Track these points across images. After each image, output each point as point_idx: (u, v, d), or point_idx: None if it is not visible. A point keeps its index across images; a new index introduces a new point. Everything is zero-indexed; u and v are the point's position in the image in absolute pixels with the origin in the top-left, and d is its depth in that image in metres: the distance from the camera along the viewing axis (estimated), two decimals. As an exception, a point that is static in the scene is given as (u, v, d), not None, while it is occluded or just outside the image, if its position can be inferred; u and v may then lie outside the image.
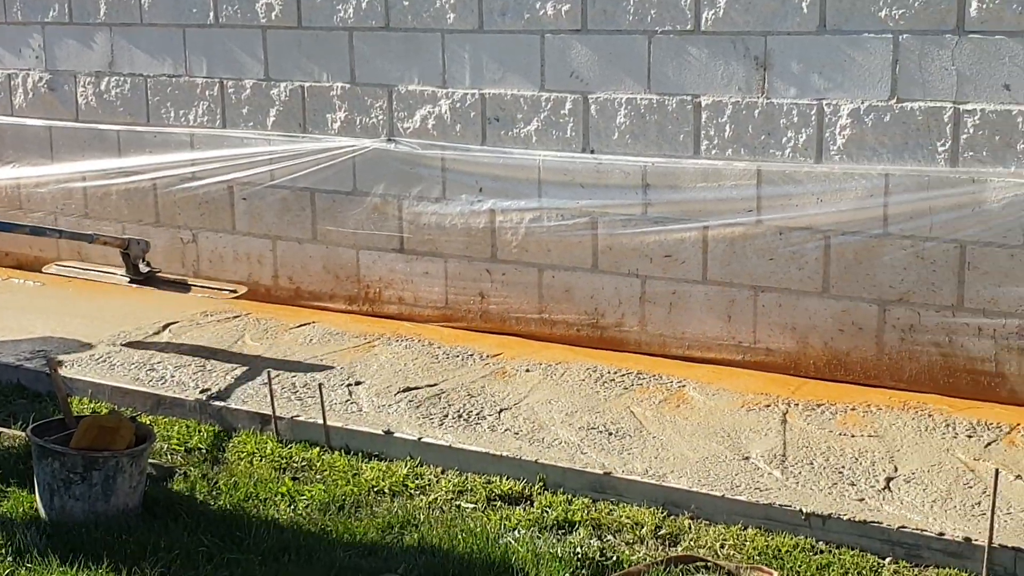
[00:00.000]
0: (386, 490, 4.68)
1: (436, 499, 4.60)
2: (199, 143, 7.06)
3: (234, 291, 6.44)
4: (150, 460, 4.68)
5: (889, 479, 4.50)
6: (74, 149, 7.51)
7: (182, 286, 6.52)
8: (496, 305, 6.34)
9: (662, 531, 4.31)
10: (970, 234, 5.15)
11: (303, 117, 6.71)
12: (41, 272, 7.16)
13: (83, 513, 4.35)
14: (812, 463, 4.65)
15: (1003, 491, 4.21)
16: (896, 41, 5.16)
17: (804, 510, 4.26)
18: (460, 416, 5.20)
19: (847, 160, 5.35)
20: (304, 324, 6.54)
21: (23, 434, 5.00)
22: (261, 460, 4.98)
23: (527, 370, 5.76)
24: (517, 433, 5.01)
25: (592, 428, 5.04)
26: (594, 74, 5.84)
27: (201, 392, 5.55)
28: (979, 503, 4.27)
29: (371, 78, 6.46)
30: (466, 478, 4.77)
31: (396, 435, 5.02)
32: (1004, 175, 5.05)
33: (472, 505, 4.55)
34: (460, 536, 4.23)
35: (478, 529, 4.29)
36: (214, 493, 4.65)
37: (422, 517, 4.43)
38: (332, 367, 5.84)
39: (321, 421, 5.13)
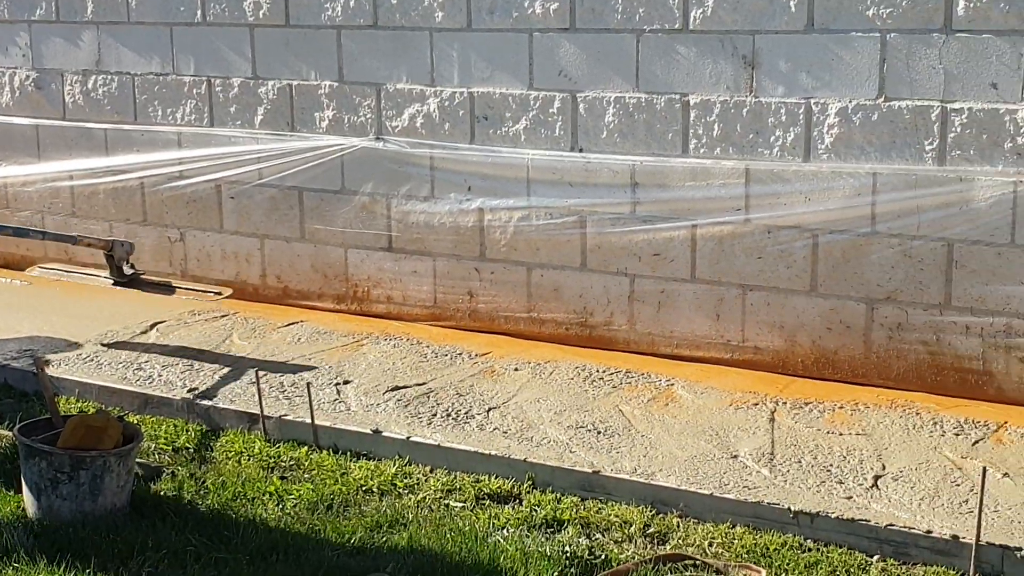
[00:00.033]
0: (374, 489, 4.68)
1: (425, 498, 4.60)
2: (187, 142, 7.04)
3: (219, 293, 6.43)
4: (138, 459, 4.67)
5: (877, 477, 4.51)
6: (61, 148, 7.48)
7: (166, 288, 6.50)
8: (485, 304, 6.34)
9: (650, 529, 4.31)
10: (957, 232, 5.16)
11: (291, 116, 6.70)
12: (27, 272, 7.15)
13: (70, 513, 4.34)
14: (800, 461, 4.66)
15: (990, 489, 4.23)
16: (884, 40, 5.17)
17: (792, 508, 4.27)
18: (449, 415, 5.20)
19: (835, 159, 5.36)
20: (292, 323, 6.53)
21: (10, 434, 4.98)
22: (249, 459, 4.97)
23: (516, 369, 5.76)
24: (506, 432, 5.01)
25: (581, 427, 5.04)
26: (582, 73, 5.84)
27: (189, 391, 5.54)
28: (967, 501, 4.28)
29: (359, 77, 6.45)
30: (455, 477, 4.76)
31: (384, 434, 5.02)
32: (991, 174, 5.07)
33: (461, 504, 4.55)
34: (449, 535, 4.23)
35: (467, 528, 4.29)
36: (202, 492, 4.64)
37: (410, 516, 4.42)
38: (320, 366, 5.83)
39: (309, 420, 5.12)
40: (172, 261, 7.26)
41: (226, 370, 5.78)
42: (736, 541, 4.20)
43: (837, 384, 5.47)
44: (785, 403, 5.24)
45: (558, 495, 4.57)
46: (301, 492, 4.63)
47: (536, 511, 4.44)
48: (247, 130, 6.84)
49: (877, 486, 4.44)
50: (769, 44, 5.40)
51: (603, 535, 4.29)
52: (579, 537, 4.24)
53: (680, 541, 4.23)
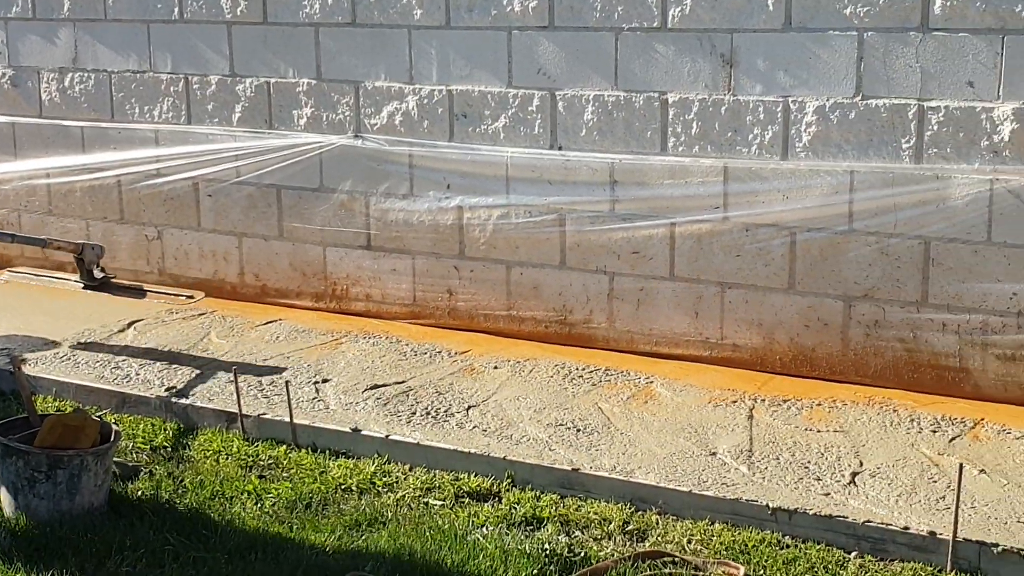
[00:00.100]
0: (353, 488, 4.67)
1: (404, 496, 4.60)
2: (164, 139, 7.01)
3: (191, 297, 6.42)
4: (115, 459, 4.65)
5: (855, 474, 4.53)
6: (38, 145, 7.44)
7: (137, 292, 6.49)
8: (464, 302, 6.33)
9: (630, 527, 4.32)
10: (934, 230, 5.19)
11: (269, 113, 6.68)
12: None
13: (48, 512, 4.32)
14: (778, 458, 4.67)
15: (967, 485, 4.25)
16: (861, 39, 5.19)
17: (771, 505, 4.28)
18: (428, 413, 5.19)
19: (813, 157, 5.38)
20: (271, 321, 6.51)
21: (-14, 433, 4.95)
22: (227, 458, 4.95)
23: (495, 367, 5.76)
24: (485, 430, 5.01)
25: (560, 425, 5.04)
26: (561, 71, 5.85)
27: (166, 390, 5.52)
28: (944, 497, 4.31)
29: (337, 74, 6.44)
30: (434, 475, 4.76)
31: (363, 433, 5.01)
32: (968, 171, 5.09)
33: (440, 502, 4.54)
34: (428, 533, 4.23)
35: (446, 526, 4.29)
36: (180, 491, 4.62)
37: (390, 515, 4.42)
38: (299, 365, 5.82)
39: (288, 419, 5.11)
40: (149, 259, 7.23)
41: (204, 369, 5.76)
42: (715, 538, 4.21)
43: (815, 381, 5.49)
44: (763, 400, 5.26)
45: (537, 493, 4.58)
46: (280, 491, 4.62)
47: (515, 509, 4.44)
48: (225, 128, 6.82)
49: (855, 483, 4.45)
50: (747, 42, 5.42)
51: (582, 532, 4.29)
52: (558, 535, 4.25)
53: (659, 538, 4.24)
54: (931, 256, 5.22)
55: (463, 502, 4.55)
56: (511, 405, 5.27)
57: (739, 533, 4.24)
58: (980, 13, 4.96)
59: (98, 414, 5.05)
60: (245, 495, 4.59)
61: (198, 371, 5.73)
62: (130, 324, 6.47)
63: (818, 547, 4.15)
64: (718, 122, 5.54)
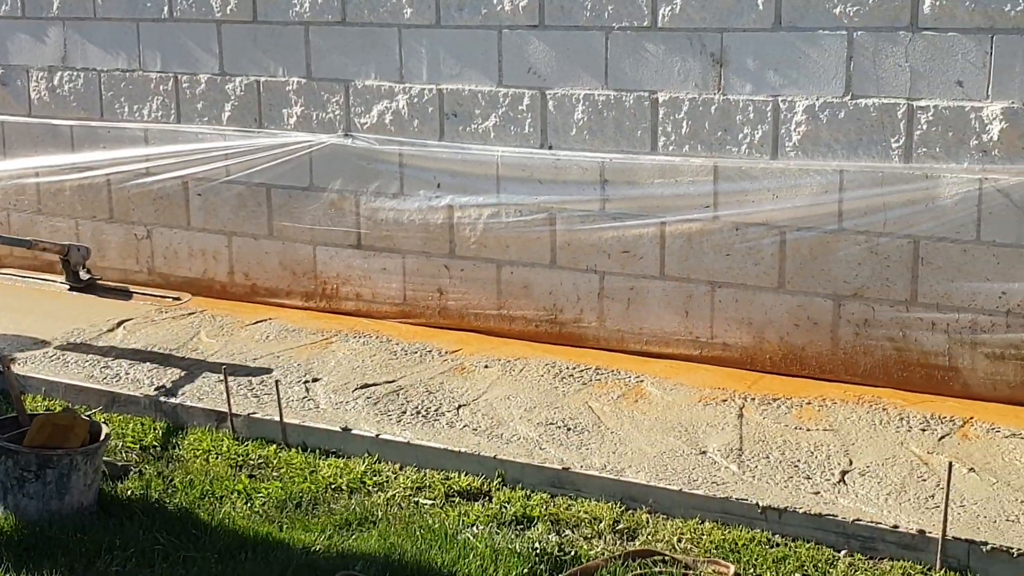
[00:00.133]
0: (344, 487, 4.66)
1: (394, 496, 4.59)
2: (153, 138, 7.00)
3: (177, 299, 6.41)
4: (105, 458, 4.64)
5: (844, 472, 4.53)
6: (27, 144, 7.42)
7: (123, 293, 6.48)
8: (454, 301, 6.33)
9: (620, 525, 4.32)
10: (923, 229, 5.20)
11: (259, 112, 6.67)
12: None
13: (37, 512, 4.31)
14: (768, 457, 4.68)
15: (956, 484, 4.26)
16: (850, 38, 5.20)
17: (760, 504, 4.29)
18: (418, 412, 5.19)
19: (802, 156, 5.39)
20: (261, 321, 6.50)
21: (-25, 433, 4.94)
22: (217, 458, 4.94)
23: (486, 366, 5.76)
24: (476, 429, 5.01)
25: (550, 424, 5.04)
26: (552, 70, 5.85)
27: (156, 389, 5.50)
28: (933, 496, 4.32)
29: (327, 73, 6.43)
30: (424, 474, 4.76)
31: (354, 432, 5.01)
32: (957, 171, 5.10)
33: (430, 501, 4.54)
34: (418, 532, 4.23)
35: (436, 525, 4.29)
36: (169, 491, 4.61)
37: (380, 514, 4.41)
38: (289, 364, 5.81)
39: (278, 418, 5.10)
40: (139, 258, 7.21)
41: (193, 368, 5.75)
42: (705, 537, 4.22)
43: (805, 380, 5.50)
44: (753, 399, 5.27)
45: (528, 492, 4.58)
46: (270, 490, 4.61)
47: (506, 508, 4.44)
48: (214, 127, 6.81)
49: (844, 481, 4.46)
50: (737, 42, 5.42)
51: (573, 531, 4.29)
52: (549, 534, 4.25)
53: (649, 537, 4.24)
54: (920, 255, 5.23)
55: (453, 501, 4.55)
56: (501, 404, 5.27)
57: (729, 532, 4.24)
58: (969, 13, 4.97)
59: (87, 413, 5.03)
60: (235, 495, 4.58)
61: (187, 370, 5.72)
62: (119, 323, 6.46)
63: (808, 546, 4.15)
64: (708, 121, 5.55)
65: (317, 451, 4.99)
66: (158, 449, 5.05)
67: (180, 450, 5.04)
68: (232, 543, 4.16)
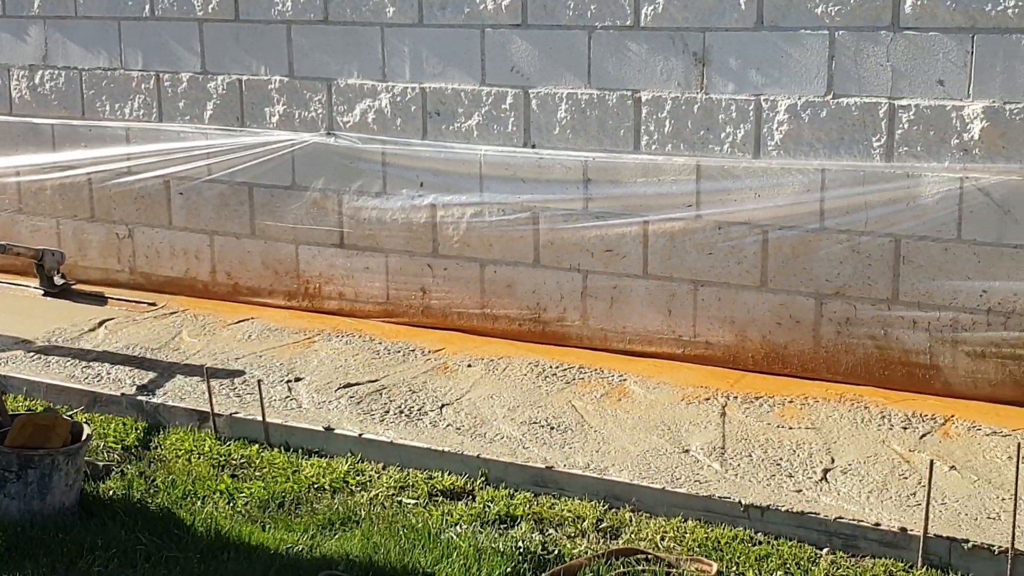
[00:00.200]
0: (326, 487, 4.66)
1: (377, 495, 4.59)
2: (135, 137, 6.97)
3: (153, 304, 6.39)
4: (86, 458, 4.62)
5: (826, 471, 4.55)
6: (7, 143, 7.38)
7: (98, 299, 6.45)
8: (438, 300, 6.33)
9: (603, 524, 4.32)
10: (905, 228, 5.22)
11: (241, 111, 6.65)
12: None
13: (18, 512, 4.29)
14: (751, 455, 4.69)
15: (938, 482, 4.28)
16: (832, 37, 5.21)
17: (743, 502, 4.30)
18: (401, 412, 5.19)
19: (784, 155, 5.40)
20: (243, 320, 6.49)
21: (-45, 433, 4.91)
22: (199, 457, 4.93)
23: (469, 365, 5.75)
24: (459, 428, 5.01)
25: (534, 423, 5.04)
26: (535, 69, 5.85)
27: (137, 389, 5.49)
28: (914, 493, 4.33)
29: (310, 72, 6.42)
30: (407, 474, 4.75)
31: (337, 431, 5.00)
32: (938, 170, 5.12)
33: (414, 501, 4.54)
34: (401, 532, 4.22)
35: (419, 525, 4.29)
36: (151, 491, 4.60)
37: (363, 513, 4.41)
38: (271, 363, 5.80)
39: (260, 418, 5.09)
40: (120, 258, 7.19)
41: (175, 368, 5.73)
42: (688, 535, 4.22)
43: (787, 378, 5.51)
44: (736, 397, 5.28)
45: (511, 491, 4.58)
46: (252, 490, 4.60)
47: (489, 507, 4.44)
48: (196, 125, 6.79)
49: (826, 479, 4.48)
50: (719, 41, 5.43)
51: (556, 530, 4.29)
52: (532, 532, 4.25)
53: (632, 535, 4.25)
54: (902, 254, 5.25)
55: (436, 501, 4.55)
56: (485, 403, 5.27)
57: (712, 530, 4.25)
58: (950, 12, 4.99)
59: (69, 413, 5.02)
60: (217, 494, 4.57)
61: (169, 370, 5.70)
62: (101, 323, 6.43)
63: (790, 544, 4.16)
64: (691, 120, 5.56)
65: (300, 451, 4.98)
66: (140, 449, 5.03)
67: (162, 450, 5.03)
68: (214, 543, 4.14)
